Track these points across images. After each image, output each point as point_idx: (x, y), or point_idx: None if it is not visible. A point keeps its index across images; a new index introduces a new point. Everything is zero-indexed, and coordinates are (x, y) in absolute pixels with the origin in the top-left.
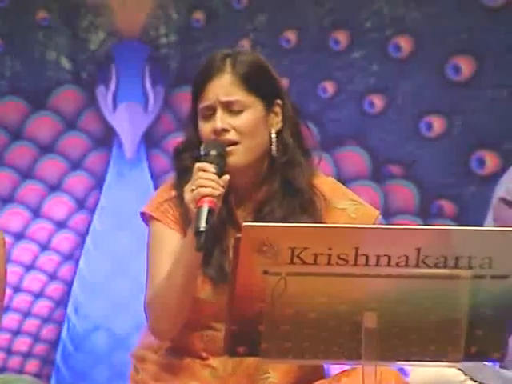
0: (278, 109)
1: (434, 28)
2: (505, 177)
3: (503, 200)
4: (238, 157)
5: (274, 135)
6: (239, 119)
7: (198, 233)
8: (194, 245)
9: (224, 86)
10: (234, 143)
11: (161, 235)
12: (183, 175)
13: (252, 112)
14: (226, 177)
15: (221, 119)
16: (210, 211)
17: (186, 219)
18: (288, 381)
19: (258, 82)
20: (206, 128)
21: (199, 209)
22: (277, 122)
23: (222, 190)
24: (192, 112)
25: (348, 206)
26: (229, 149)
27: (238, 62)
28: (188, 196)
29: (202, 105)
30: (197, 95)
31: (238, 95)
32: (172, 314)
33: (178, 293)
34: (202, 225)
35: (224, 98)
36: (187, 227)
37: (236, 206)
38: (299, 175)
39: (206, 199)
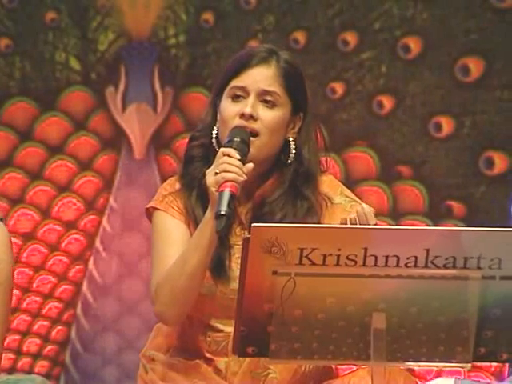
0: (298, 121)
1: (443, 29)
2: None
3: None
4: (254, 151)
5: (292, 143)
6: (269, 112)
7: (219, 216)
8: (214, 229)
9: (268, 77)
10: (255, 134)
11: (166, 224)
12: (189, 164)
13: (282, 110)
14: (250, 165)
15: (252, 105)
16: (232, 196)
17: (190, 211)
18: (289, 376)
19: (295, 85)
20: (231, 109)
21: (221, 192)
22: (293, 132)
23: (245, 177)
24: (214, 97)
25: (344, 201)
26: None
27: (283, 59)
28: (211, 179)
29: (234, 84)
30: (231, 76)
31: (278, 89)
32: (181, 297)
33: (189, 276)
34: (224, 208)
35: (265, 87)
36: (191, 219)
37: (237, 201)
38: (309, 187)
39: (229, 184)
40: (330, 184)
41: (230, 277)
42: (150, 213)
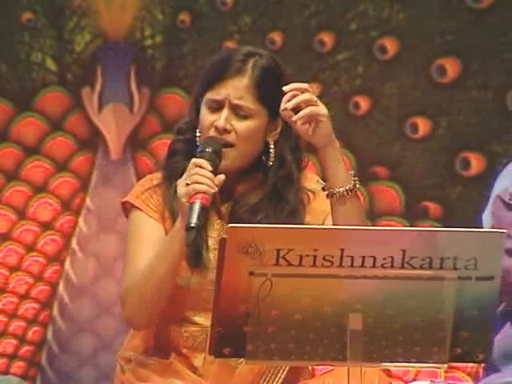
0: (279, 120)
1: (419, 29)
2: (504, 172)
3: (499, 198)
4: (229, 161)
5: (272, 147)
6: (243, 124)
7: (189, 228)
8: (183, 239)
9: (238, 89)
10: (230, 145)
11: (140, 224)
12: (172, 156)
13: (256, 120)
14: (221, 177)
15: (225, 119)
16: (203, 208)
17: (168, 206)
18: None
19: (271, 92)
20: (208, 118)
21: (192, 204)
22: (275, 133)
23: (216, 189)
24: (197, 95)
25: (318, 186)
26: (223, 150)
27: (258, 67)
28: (182, 190)
29: (210, 96)
30: (207, 85)
31: (249, 102)
32: (149, 304)
33: (157, 284)
34: (194, 221)
35: (235, 101)
36: (168, 214)
37: (218, 195)
38: (290, 189)
39: (200, 196)
40: (308, 177)
41: (207, 267)
42: (126, 208)
